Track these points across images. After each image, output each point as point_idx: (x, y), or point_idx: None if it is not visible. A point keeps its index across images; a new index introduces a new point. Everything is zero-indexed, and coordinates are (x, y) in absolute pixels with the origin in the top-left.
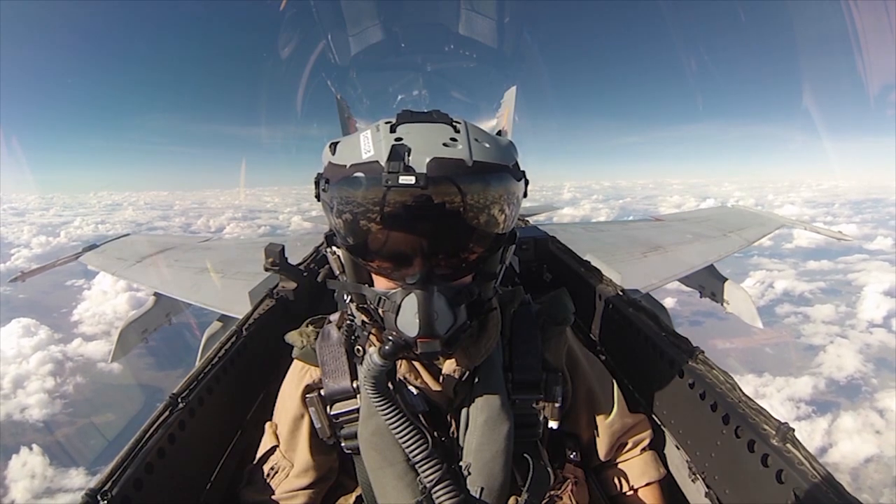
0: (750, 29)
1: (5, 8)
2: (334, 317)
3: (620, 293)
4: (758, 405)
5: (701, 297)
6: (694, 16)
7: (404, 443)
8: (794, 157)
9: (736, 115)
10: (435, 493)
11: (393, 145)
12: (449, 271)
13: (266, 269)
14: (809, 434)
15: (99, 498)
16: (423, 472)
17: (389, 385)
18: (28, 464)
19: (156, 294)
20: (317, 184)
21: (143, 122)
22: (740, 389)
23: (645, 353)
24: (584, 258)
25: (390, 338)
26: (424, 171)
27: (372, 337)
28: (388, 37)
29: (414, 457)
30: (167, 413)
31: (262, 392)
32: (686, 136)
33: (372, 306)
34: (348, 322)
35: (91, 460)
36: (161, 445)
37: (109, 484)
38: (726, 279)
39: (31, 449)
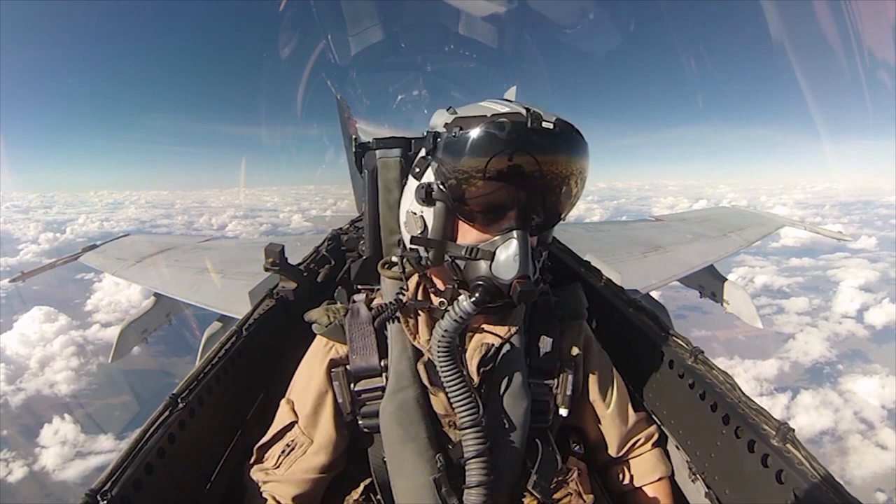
0: (746, 31)
1: (5, 8)
2: (359, 297)
3: (620, 293)
4: (758, 405)
5: (701, 296)
6: (690, 18)
7: (459, 407)
8: (792, 160)
9: (735, 117)
10: (469, 464)
11: (527, 107)
12: (540, 221)
13: (266, 269)
14: (769, 408)
15: (99, 498)
16: (468, 440)
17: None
18: (60, 431)
19: (156, 294)
20: (434, 138)
21: (142, 122)
22: (740, 389)
23: (645, 353)
24: (584, 258)
25: (481, 283)
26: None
27: (421, 315)
28: (388, 37)
29: (463, 422)
30: (167, 413)
31: (262, 392)
32: (684, 139)
33: (457, 260)
34: (398, 297)
35: (120, 428)
36: (161, 445)
37: (109, 484)
38: (726, 279)
39: (63, 418)
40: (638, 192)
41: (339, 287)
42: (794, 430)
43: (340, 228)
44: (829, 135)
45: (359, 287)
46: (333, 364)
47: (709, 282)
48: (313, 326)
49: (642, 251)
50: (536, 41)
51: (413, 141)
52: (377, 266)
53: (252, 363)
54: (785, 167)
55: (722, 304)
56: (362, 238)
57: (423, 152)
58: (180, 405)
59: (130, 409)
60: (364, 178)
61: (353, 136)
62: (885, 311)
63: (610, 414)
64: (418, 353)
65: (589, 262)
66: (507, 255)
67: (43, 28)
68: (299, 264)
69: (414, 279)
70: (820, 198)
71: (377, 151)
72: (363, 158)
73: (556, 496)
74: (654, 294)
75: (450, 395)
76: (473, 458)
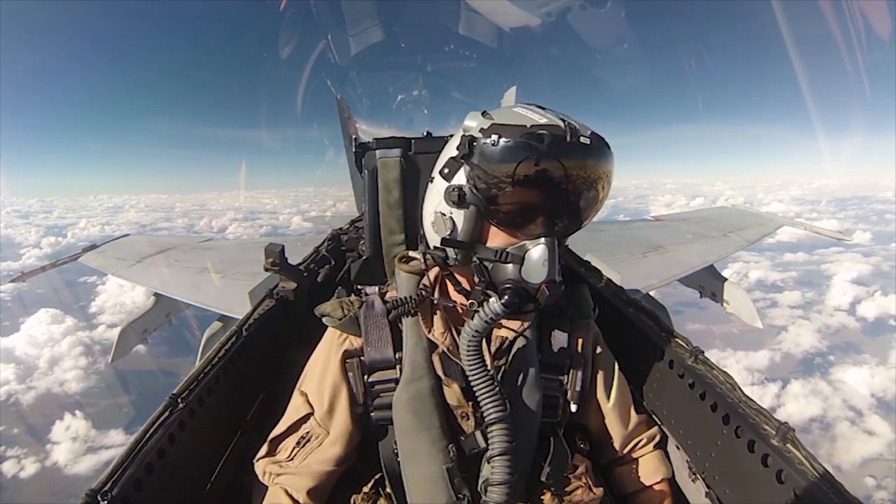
0: (743, 29)
1: (5, 9)
2: (371, 290)
3: (620, 293)
4: (758, 405)
5: (701, 297)
6: (687, 16)
7: (486, 402)
8: (788, 157)
9: (733, 114)
10: (494, 461)
11: (562, 117)
12: (566, 227)
13: (266, 270)
14: (760, 397)
15: (99, 498)
16: (493, 435)
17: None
18: (71, 427)
19: (156, 294)
20: (470, 142)
21: (140, 125)
22: (740, 389)
23: (645, 353)
24: (584, 258)
25: (510, 286)
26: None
27: (437, 313)
28: (388, 37)
29: (491, 417)
30: (167, 413)
31: (262, 392)
32: (682, 137)
33: (484, 262)
34: (421, 292)
35: (126, 424)
36: (161, 446)
37: (109, 484)
38: (726, 279)
39: (74, 414)
40: (636, 190)
41: (339, 287)
42: (794, 430)
43: (340, 228)
44: (825, 131)
45: (358, 287)
46: (348, 355)
47: (709, 282)
48: (325, 319)
49: (642, 251)
50: (536, 41)
51: (413, 141)
52: (393, 260)
53: (252, 363)
54: (782, 164)
55: (722, 305)
56: (362, 238)
57: (453, 153)
58: (180, 405)
59: (136, 408)
60: (364, 179)
61: (353, 137)
62: (878, 304)
63: (613, 412)
64: (433, 345)
65: (589, 262)
66: (536, 260)
67: (42, 31)
68: (299, 264)
69: (433, 273)
70: (816, 194)
71: (377, 151)
72: (363, 158)
73: (566, 489)
74: (653, 292)
75: (476, 390)
76: (499, 454)
